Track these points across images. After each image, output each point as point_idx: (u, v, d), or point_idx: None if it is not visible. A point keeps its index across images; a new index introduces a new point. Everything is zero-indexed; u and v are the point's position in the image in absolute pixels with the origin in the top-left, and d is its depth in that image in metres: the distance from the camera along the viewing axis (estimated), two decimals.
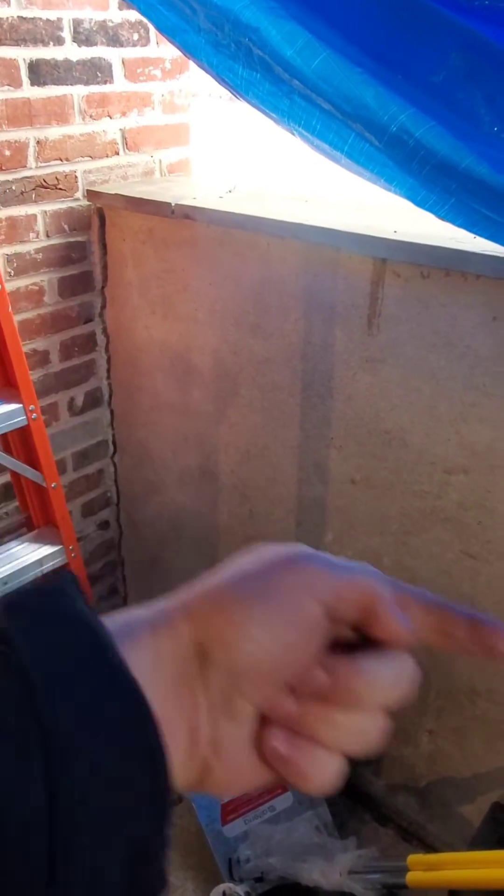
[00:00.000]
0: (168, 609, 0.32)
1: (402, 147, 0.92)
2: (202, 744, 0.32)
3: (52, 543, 1.72)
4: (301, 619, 0.31)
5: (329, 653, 0.33)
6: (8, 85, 1.57)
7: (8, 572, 1.64)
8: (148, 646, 0.31)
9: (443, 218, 1.06)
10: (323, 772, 0.32)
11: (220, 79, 1.12)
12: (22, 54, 1.57)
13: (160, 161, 1.93)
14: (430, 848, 1.81)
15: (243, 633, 0.31)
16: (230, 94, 1.16)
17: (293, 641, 0.31)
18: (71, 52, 1.65)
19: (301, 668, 0.32)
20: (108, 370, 2.02)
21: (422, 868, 1.30)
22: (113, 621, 0.31)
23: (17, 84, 1.58)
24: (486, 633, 0.33)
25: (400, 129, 0.90)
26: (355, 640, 0.33)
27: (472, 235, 1.27)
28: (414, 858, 1.32)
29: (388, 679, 0.32)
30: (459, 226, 1.06)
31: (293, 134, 1.12)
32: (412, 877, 1.29)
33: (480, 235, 1.07)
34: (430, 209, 1.06)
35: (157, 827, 0.28)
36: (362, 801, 1.93)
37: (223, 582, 0.33)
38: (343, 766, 0.33)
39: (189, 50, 1.12)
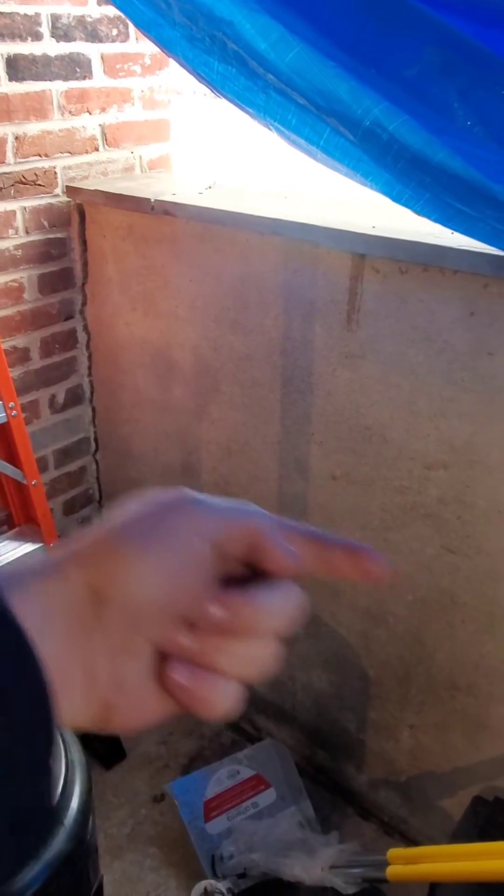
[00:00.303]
0: (58, 557, 0.33)
1: (377, 141, 0.93)
2: (102, 684, 0.33)
3: (33, 541, 1.72)
4: (190, 556, 0.33)
5: (223, 588, 0.34)
6: None
7: None
8: (38, 593, 0.31)
9: (419, 213, 1.07)
10: (222, 698, 0.34)
11: (197, 73, 1.11)
12: None
13: (140, 157, 1.92)
14: (412, 841, 1.82)
15: (135, 572, 0.32)
16: (208, 90, 1.16)
17: (184, 578, 0.33)
18: (49, 47, 1.64)
19: (194, 603, 0.33)
20: (90, 367, 2.01)
21: (402, 862, 1.30)
22: (0, 572, 0.32)
23: None
24: (360, 558, 0.37)
25: (374, 123, 0.90)
26: (247, 575, 0.36)
27: (451, 231, 1.28)
28: (394, 852, 1.32)
29: (277, 607, 0.35)
30: (435, 221, 1.06)
31: (269, 129, 1.11)
32: (392, 870, 1.29)
33: (456, 230, 1.07)
34: (406, 204, 1.07)
35: (38, 768, 0.28)
36: (345, 796, 1.94)
37: (112, 527, 0.34)
38: (241, 692, 0.35)
39: (165, 45, 1.12)
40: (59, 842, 1.06)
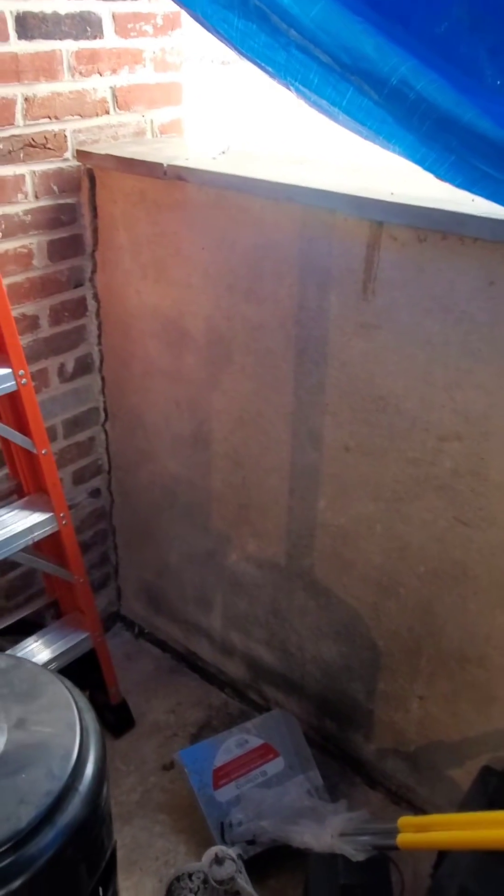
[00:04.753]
0: None
1: (403, 101, 0.90)
2: None
3: (43, 511, 1.71)
4: None
5: None
6: None
7: None
8: None
9: (442, 177, 1.04)
10: None
11: (215, 31, 1.08)
12: (9, 6, 1.52)
13: (152, 121, 1.88)
14: (420, 810, 1.84)
15: None
16: (224, 47, 1.13)
17: None
18: (59, 4, 1.59)
19: None
20: (99, 336, 1.99)
21: (412, 830, 1.31)
22: None
23: (3, 38, 1.53)
24: None
25: (400, 81, 0.88)
26: None
27: (471, 198, 1.25)
28: (404, 820, 1.33)
29: None
30: (459, 185, 1.03)
31: (290, 89, 1.08)
32: (402, 838, 1.30)
33: (480, 195, 1.04)
34: (429, 168, 1.04)
35: None
36: (352, 765, 1.96)
37: None
38: None
39: (183, 1, 1.08)
40: (73, 808, 1.06)
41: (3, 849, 0.98)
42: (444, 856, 1.45)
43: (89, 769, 1.12)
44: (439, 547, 1.55)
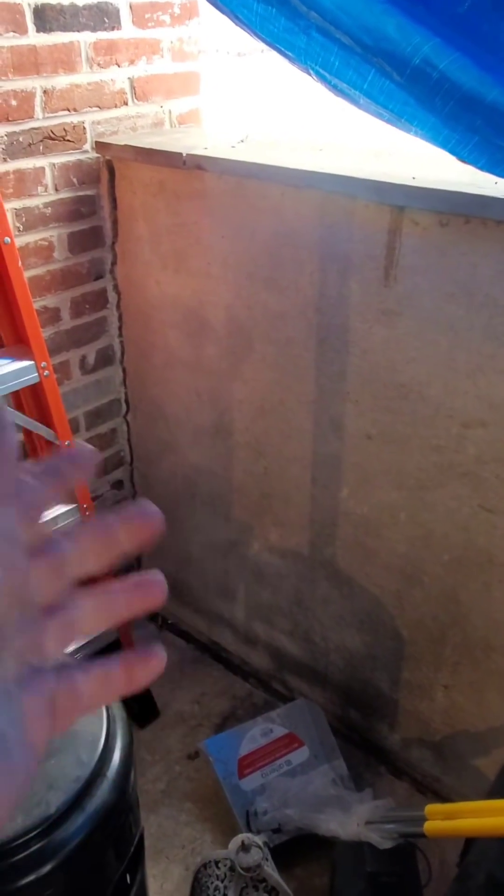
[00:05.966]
0: None
1: (425, 81, 0.89)
2: None
3: (67, 502, 1.72)
4: None
5: None
6: (13, 31, 1.52)
7: None
8: None
9: (465, 159, 1.03)
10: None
11: (234, 16, 1.08)
12: None
13: (170, 111, 1.88)
14: (446, 800, 1.83)
15: None
16: (243, 34, 1.12)
17: None
18: None
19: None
20: (120, 328, 2.00)
21: (440, 817, 1.30)
22: None
23: (22, 30, 1.54)
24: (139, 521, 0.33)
25: (423, 61, 0.87)
26: None
27: (494, 180, 1.24)
28: (432, 808, 1.32)
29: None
30: (482, 167, 1.02)
31: (310, 74, 1.08)
32: (430, 826, 1.30)
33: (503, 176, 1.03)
34: (452, 150, 1.03)
35: None
36: (377, 755, 1.95)
37: None
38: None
39: None
40: (102, 793, 1.07)
41: (34, 834, 0.99)
42: (471, 844, 1.44)
43: (116, 755, 1.12)
44: (464, 535, 1.54)
